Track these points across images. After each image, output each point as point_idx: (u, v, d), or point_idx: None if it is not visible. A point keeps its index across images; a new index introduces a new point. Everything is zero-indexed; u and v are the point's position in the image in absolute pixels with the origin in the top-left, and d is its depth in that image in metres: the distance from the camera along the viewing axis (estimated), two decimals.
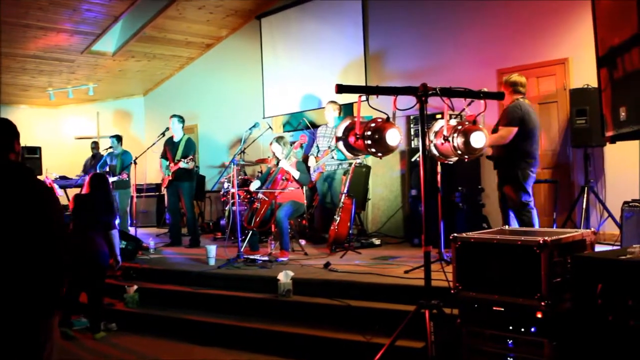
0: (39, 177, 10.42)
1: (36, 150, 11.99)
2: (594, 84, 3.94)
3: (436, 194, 5.93)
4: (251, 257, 6.92)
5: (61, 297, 2.98)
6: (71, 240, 5.77)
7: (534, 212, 5.87)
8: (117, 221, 6.61)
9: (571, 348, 3.41)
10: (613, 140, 3.29)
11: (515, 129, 5.75)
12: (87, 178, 6.28)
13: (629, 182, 6.75)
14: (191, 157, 8.46)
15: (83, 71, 12.71)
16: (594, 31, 3.36)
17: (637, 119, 2.88)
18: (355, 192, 7.89)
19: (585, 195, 6.85)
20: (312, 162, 8.03)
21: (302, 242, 8.15)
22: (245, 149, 7.86)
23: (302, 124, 10.67)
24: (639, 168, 6.26)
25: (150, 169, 12.93)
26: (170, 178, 8.67)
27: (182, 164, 8.44)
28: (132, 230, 9.39)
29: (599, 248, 4.69)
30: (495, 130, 5.96)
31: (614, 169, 7.14)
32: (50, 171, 10.59)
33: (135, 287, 6.63)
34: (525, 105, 5.88)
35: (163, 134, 8.96)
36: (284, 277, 5.67)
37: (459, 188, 7.39)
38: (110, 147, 10.33)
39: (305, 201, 7.71)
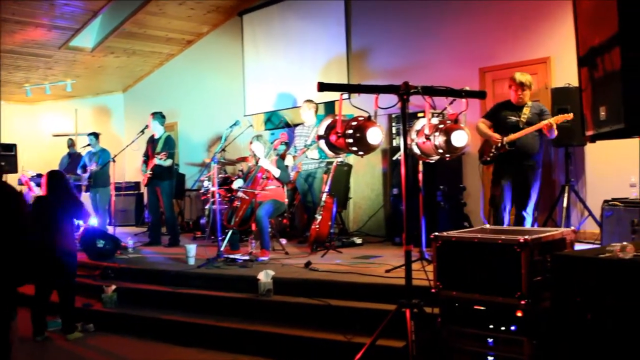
0: (14, 175, 10.36)
1: (12, 147, 11.84)
2: (575, 83, 3.98)
3: (417, 193, 5.95)
4: (231, 256, 6.91)
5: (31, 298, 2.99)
6: (35, 240, 5.71)
7: None
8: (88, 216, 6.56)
9: (551, 346, 3.45)
10: (593, 139, 3.32)
11: None
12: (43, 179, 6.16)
13: (609, 181, 6.84)
14: (164, 152, 8.41)
15: (61, 67, 12.59)
16: (575, 31, 3.39)
17: (616, 118, 2.91)
18: (337, 191, 7.90)
19: (566, 194, 6.92)
20: (289, 161, 8.04)
21: (283, 241, 8.15)
22: (225, 147, 7.85)
23: (283, 122, 10.67)
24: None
25: (129, 167, 12.87)
26: (149, 175, 8.62)
27: (156, 160, 8.40)
28: (110, 229, 9.32)
29: (579, 247, 4.75)
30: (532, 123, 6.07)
31: (594, 168, 7.23)
32: (26, 169, 10.48)
33: (114, 287, 6.59)
34: None
35: (142, 131, 8.90)
36: (265, 276, 5.66)
37: (441, 187, 7.44)
38: (89, 145, 10.24)
39: (286, 200, 7.70)
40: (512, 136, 6.07)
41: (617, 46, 2.85)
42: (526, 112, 6.15)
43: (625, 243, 2.99)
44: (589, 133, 3.28)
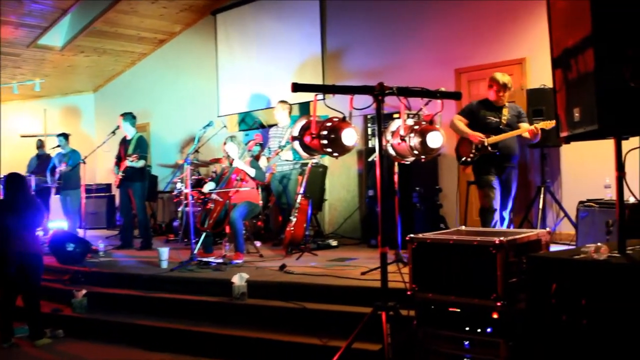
0: None
1: None
2: (550, 84, 4.02)
3: (393, 195, 5.97)
4: (205, 259, 6.87)
5: None
6: None
7: None
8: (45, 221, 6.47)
9: (527, 348, 3.47)
10: (567, 140, 3.35)
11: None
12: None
13: (584, 182, 6.92)
14: (136, 155, 8.35)
15: (29, 66, 12.41)
16: (549, 32, 3.42)
17: (590, 119, 2.94)
18: (312, 193, 7.90)
19: (541, 195, 7.00)
20: (263, 162, 8.03)
21: (258, 243, 8.12)
22: (199, 148, 7.81)
23: (257, 123, 10.64)
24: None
25: (100, 169, 12.73)
26: (121, 177, 8.54)
27: (128, 162, 8.33)
28: (81, 232, 9.21)
29: (554, 248, 4.80)
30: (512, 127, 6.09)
31: (570, 169, 7.31)
32: None
33: (84, 291, 6.51)
34: None
35: (113, 132, 8.82)
36: (239, 279, 5.64)
37: (417, 188, 7.48)
38: (58, 146, 10.12)
39: (260, 202, 7.69)
40: (496, 138, 5.98)
41: (590, 47, 2.88)
42: (505, 114, 6.10)
43: (599, 244, 3.03)
44: (564, 134, 3.31)
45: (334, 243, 8.10)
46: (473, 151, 6.09)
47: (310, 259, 7.00)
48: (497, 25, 7.85)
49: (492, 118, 6.10)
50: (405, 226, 6.34)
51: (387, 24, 8.98)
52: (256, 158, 8.01)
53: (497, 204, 5.99)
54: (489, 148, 5.98)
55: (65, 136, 10.10)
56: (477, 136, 6.01)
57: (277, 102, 8.36)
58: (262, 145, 8.34)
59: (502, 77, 6.08)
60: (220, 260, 6.83)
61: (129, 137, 8.77)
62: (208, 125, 7.60)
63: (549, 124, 5.77)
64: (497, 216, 5.99)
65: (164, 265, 6.95)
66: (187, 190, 7.35)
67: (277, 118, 8.30)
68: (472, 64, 8.03)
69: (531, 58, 7.52)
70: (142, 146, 8.62)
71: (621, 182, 3.08)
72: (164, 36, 12.06)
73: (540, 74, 7.21)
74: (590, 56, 2.89)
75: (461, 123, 6.19)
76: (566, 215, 6.99)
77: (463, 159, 6.24)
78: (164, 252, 7.03)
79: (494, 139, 5.98)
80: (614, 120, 2.85)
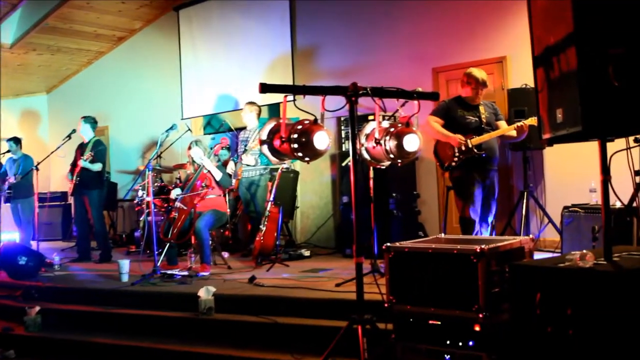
0: None
1: None
2: (532, 83, 4.08)
3: (369, 201, 5.98)
4: (169, 272, 6.82)
5: None
6: None
7: None
8: None
9: None
10: (550, 142, 3.39)
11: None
12: None
13: (569, 186, 7.02)
14: (91, 153, 8.27)
15: None
16: (530, 29, 3.46)
17: (573, 121, 2.98)
18: (282, 200, 7.89)
19: (524, 201, 7.06)
20: (230, 167, 8.01)
21: (225, 254, 8.09)
22: (161, 153, 7.77)
23: (224, 127, 10.60)
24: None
25: (54, 176, 12.56)
26: (75, 183, 8.44)
27: (82, 163, 8.25)
28: (34, 244, 9.08)
29: (538, 256, 4.86)
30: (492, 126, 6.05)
31: (554, 173, 7.41)
32: None
33: (38, 308, 6.41)
34: None
35: (69, 136, 8.72)
36: (205, 293, 5.60)
37: (393, 194, 7.51)
38: (8, 151, 9.97)
39: (227, 210, 7.65)
40: (480, 139, 5.83)
41: (572, 45, 2.92)
42: (484, 112, 6.00)
43: (585, 251, 3.06)
44: (546, 136, 3.35)
45: (306, 253, 8.10)
46: (457, 154, 5.90)
47: (281, 270, 6.99)
48: (476, 22, 7.93)
49: (471, 117, 5.97)
50: (382, 234, 6.36)
51: (361, 21, 9.03)
52: (224, 164, 7.98)
53: (477, 214, 5.92)
54: (475, 150, 5.83)
55: (16, 140, 9.96)
56: (457, 139, 5.86)
57: (245, 103, 8.35)
58: (230, 149, 8.32)
59: (479, 72, 5.97)
60: (186, 273, 6.79)
61: (86, 141, 8.68)
62: (171, 128, 7.56)
63: (534, 121, 5.62)
64: (477, 226, 5.93)
65: (125, 278, 6.89)
66: (149, 198, 7.29)
67: (245, 121, 8.29)
68: (451, 62, 8.11)
69: (512, 56, 7.61)
70: (99, 149, 8.50)
71: (607, 186, 3.12)
72: (123, 33, 11.97)
73: (522, 73, 7.30)
74: (572, 54, 2.93)
75: (438, 125, 6.02)
76: (550, 221, 7.08)
77: (447, 164, 6.03)
78: (125, 264, 6.96)
79: (478, 139, 5.83)
80: (598, 122, 2.90)
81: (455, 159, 5.94)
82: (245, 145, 7.99)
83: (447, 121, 6.03)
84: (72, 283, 7.21)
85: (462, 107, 6.07)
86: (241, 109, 8.55)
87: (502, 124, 6.06)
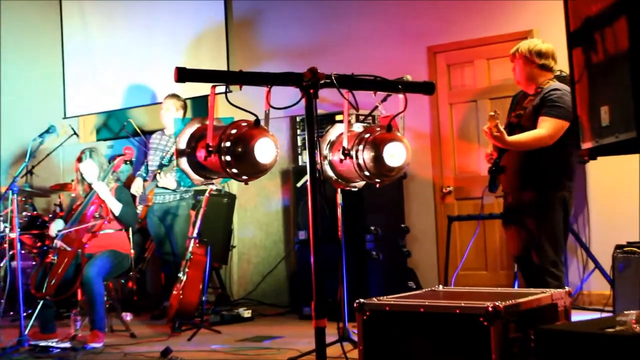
0: None
1: None
2: (567, 68, 4.07)
3: (336, 238, 5.98)
4: (43, 342, 6.73)
5: None
6: None
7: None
8: None
9: None
10: (593, 154, 3.39)
11: (567, 126, 5.60)
12: None
13: (623, 217, 7.04)
14: None
15: None
16: None
17: (624, 123, 2.97)
18: (211, 236, 7.84)
19: None
20: (136, 187, 7.91)
21: (128, 316, 7.99)
22: (33, 167, 7.66)
23: (126, 129, 10.49)
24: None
25: None
26: None
27: None
28: None
29: (579, 316, 4.88)
30: (519, 126, 5.79)
31: (601, 198, 7.44)
32: None
33: None
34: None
35: None
36: None
37: (372, 228, 7.50)
38: None
39: (131, 250, 7.58)
40: None
41: (622, 15, 2.94)
42: None
43: None
44: (587, 145, 3.35)
45: (246, 314, 8.08)
46: None
47: (209, 338, 6.96)
48: None
49: None
50: (355, 286, 6.34)
51: None
52: (126, 184, 7.90)
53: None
54: None
55: None
56: None
57: (165, 97, 8.31)
58: (133, 163, 8.26)
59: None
60: (68, 344, 6.70)
61: None
62: (47, 131, 7.49)
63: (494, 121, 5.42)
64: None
65: None
66: (14, 235, 7.19)
67: (164, 120, 8.27)
68: (454, 39, 8.16)
69: (539, 31, 7.67)
70: None
71: None
72: None
73: (557, 54, 7.34)
74: (622, 29, 2.95)
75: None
76: (597, 266, 7.10)
77: None
78: None
79: None
80: None
81: None
82: (162, 158, 7.92)
83: None
84: None
85: None
86: (159, 104, 8.49)
87: None
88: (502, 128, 5.33)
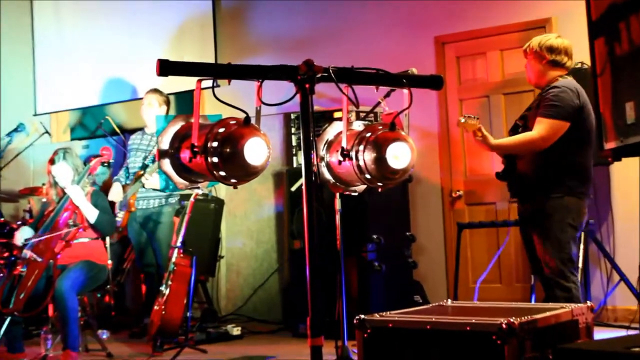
0: None
1: None
2: (588, 60, 4.07)
3: (334, 248, 5.97)
4: None
5: None
6: None
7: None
8: None
9: None
10: (617, 155, 3.40)
11: (567, 126, 5.62)
12: None
13: None
14: None
15: None
16: None
17: None
18: (197, 246, 7.83)
19: (582, 245, 7.06)
20: (115, 193, 7.90)
21: (104, 334, 7.98)
22: (0, 169, 7.65)
23: (104, 127, 10.49)
24: None
25: None
26: None
27: None
28: None
29: (602, 334, 4.86)
30: (525, 128, 5.81)
31: (627, 203, 7.43)
32: None
33: None
34: (581, 90, 5.75)
35: None
36: None
37: (374, 236, 7.50)
38: None
39: (108, 261, 7.57)
40: None
41: None
42: None
43: None
44: (610, 145, 3.36)
45: (235, 331, 8.08)
46: None
47: (195, 358, 6.97)
48: None
49: None
50: (356, 300, 6.33)
51: None
52: (103, 188, 7.88)
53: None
54: None
55: None
56: None
57: (146, 92, 8.30)
58: (110, 165, 8.24)
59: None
60: None
61: None
62: (16, 130, 7.49)
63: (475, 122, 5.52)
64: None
65: None
66: None
67: (145, 118, 8.27)
68: (464, 28, 8.16)
69: (560, 20, 7.68)
70: None
71: None
72: None
73: (576, 43, 7.34)
74: None
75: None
76: (623, 278, 7.09)
77: None
78: None
79: None
80: None
81: None
82: (145, 159, 7.91)
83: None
84: None
85: None
86: (139, 99, 8.50)
87: None
88: (485, 131, 5.38)
